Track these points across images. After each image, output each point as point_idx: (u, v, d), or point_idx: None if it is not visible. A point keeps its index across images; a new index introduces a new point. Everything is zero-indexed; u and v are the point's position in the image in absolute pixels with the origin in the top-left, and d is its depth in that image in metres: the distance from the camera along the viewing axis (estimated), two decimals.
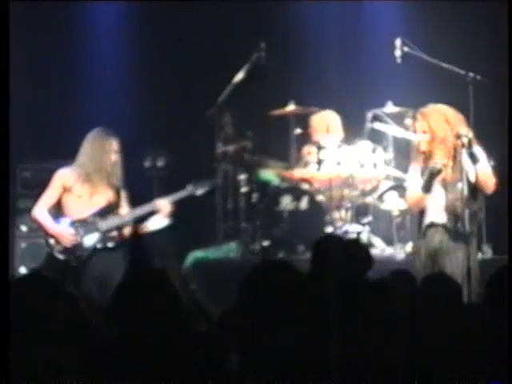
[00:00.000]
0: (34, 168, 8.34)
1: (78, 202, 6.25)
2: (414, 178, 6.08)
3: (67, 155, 6.69)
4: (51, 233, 6.23)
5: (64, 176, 6.28)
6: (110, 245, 6.28)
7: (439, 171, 5.88)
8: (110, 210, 6.32)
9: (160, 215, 6.41)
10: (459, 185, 5.83)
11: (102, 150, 6.29)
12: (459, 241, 5.83)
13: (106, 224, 6.26)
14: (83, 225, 6.23)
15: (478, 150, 5.96)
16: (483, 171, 5.91)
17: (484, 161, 5.96)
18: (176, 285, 3.04)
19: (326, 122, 8.13)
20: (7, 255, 3.63)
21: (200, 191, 6.44)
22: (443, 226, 5.92)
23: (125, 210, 6.38)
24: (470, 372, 3.13)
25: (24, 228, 8.15)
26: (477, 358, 3.18)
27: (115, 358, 2.90)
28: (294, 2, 8.95)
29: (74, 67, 9.05)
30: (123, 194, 6.40)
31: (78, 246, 6.20)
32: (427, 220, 5.98)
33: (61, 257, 6.21)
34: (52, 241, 6.23)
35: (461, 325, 3.43)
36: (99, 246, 6.25)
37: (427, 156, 6.00)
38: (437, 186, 5.95)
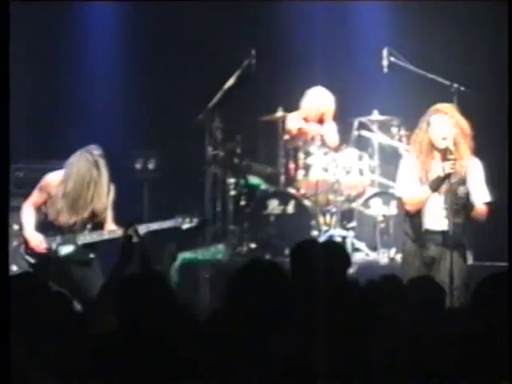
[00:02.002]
0: (27, 168, 8.37)
1: (61, 210, 6.18)
2: (412, 176, 5.93)
3: (60, 154, 6.74)
4: (24, 234, 6.22)
5: (50, 183, 6.23)
6: (85, 258, 6.20)
7: (452, 171, 5.75)
8: (93, 223, 6.22)
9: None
10: (460, 191, 5.79)
11: (85, 179, 6.14)
12: (455, 249, 5.78)
13: (84, 238, 6.18)
14: (61, 233, 6.19)
15: (473, 164, 5.92)
16: (472, 195, 5.85)
17: (474, 182, 5.90)
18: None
19: (321, 113, 8.28)
20: (7, 255, 3.69)
21: (187, 225, 6.27)
22: (443, 234, 5.84)
23: (109, 226, 6.27)
24: (456, 373, 3.19)
25: (16, 226, 8.25)
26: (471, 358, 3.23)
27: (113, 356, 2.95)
28: (283, 9, 9.08)
29: (67, 69, 9.09)
30: (109, 213, 6.28)
31: (49, 253, 6.15)
32: (425, 225, 5.90)
33: (30, 260, 6.20)
34: (24, 242, 6.23)
35: (448, 327, 3.50)
36: (75, 257, 6.19)
37: (444, 152, 5.83)
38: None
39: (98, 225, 6.26)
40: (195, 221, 6.34)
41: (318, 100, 8.36)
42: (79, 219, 6.19)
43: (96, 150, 6.22)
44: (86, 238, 6.19)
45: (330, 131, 8.34)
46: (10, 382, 2.86)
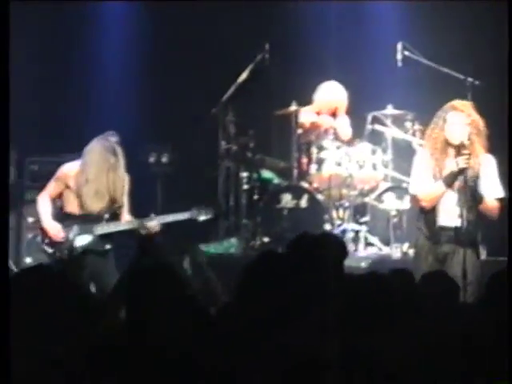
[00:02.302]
0: (42, 161, 8.42)
1: (79, 201, 6.18)
2: (426, 172, 5.91)
3: (74, 148, 6.76)
4: (42, 224, 6.21)
5: (67, 173, 6.22)
6: (101, 249, 6.20)
7: (465, 166, 5.74)
8: (110, 214, 6.24)
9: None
10: (472, 185, 5.78)
11: (105, 165, 6.15)
12: (469, 246, 5.78)
13: (101, 228, 6.18)
14: (79, 224, 6.18)
15: (487, 161, 5.89)
16: (485, 190, 5.85)
17: (487, 178, 5.88)
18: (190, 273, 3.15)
19: (334, 107, 8.30)
20: (6, 250, 3.70)
21: (203, 217, 6.33)
22: (456, 230, 5.82)
23: (125, 217, 6.29)
24: (468, 370, 3.19)
25: (30, 219, 8.30)
26: (475, 357, 3.23)
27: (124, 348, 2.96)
28: (296, 4, 9.07)
29: (80, 64, 9.12)
30: (125, 202, 6.29)
31: (65, 244, 6.15)
32: (439, 222, 5.88)
33: (48, 250, 6.20)
34: (41, 232, 6.23)
35: (461, 323, 3.50)
36: (91, 248, 6.19)
37: (459, 148, 5.81)
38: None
39: (115, 215, 6.27)
40: (211, 213, 6.38)
41: (331, 94, 8.36)
42: (104, 206, 6.20)
43: (113, 137, 6.23)
44: (103, 228, 6.19)
45: (343, 125, 8.34)
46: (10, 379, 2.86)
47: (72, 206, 6.22)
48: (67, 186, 6.21)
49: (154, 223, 6.22)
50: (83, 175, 6.19)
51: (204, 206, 6.39)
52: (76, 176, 6.21)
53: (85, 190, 6.17)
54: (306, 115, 8.33)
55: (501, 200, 5.96)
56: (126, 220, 6.28)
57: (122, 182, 6.25)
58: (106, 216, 6.24)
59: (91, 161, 6.17)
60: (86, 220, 6.20)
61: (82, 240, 6.20)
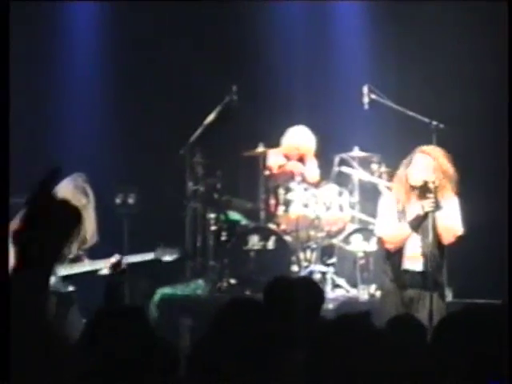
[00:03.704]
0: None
1: None
2: (391, 215, 5.93)
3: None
4: None
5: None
6: (64, 290, 6.11)
7: (436, 209, 5.76)
8: (75, 255, 6.17)
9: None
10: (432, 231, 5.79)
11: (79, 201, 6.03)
12: (434, 289, 5.79)
13: (64, 270, 6.09)
14: None
15: (448, 199, 5.91)
16: (442, 222, 5.85)
17: (447, 212, 5.88)
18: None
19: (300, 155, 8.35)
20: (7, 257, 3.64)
21: (168, 257, 6.27)
22: (421, 274, 5.84)
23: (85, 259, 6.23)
24: None
25: None
26: None
27: None
28: (264, 46, 9.14)
29: (45, 95, 9.05)
30: (87, 236, 6.20)
31: None
32: (404, 265, 5.89)
33: None
34: None
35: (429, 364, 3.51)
36: (54, 289, 6.03)
37: (424, 191, 5.83)
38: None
39: (78, 256, 6.19)
40: (176, 253, 6.33)
41: (299, 139, 8.41)
42: (74, 247, 6.13)
43: (82, 177, 6.19)
44: (66, 269, 6.11)
45: (311, 169, 8.38)
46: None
47: None
48: None
49: (116, 261, 6.16)
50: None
51: (169, 246, 6.35)
52: None
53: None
54: (274, 158, 8.36)
55: (459, 238, 5.97)
56: (91, 261, 6.22)
57: (93, 222, 6.21)
58: (70, 256, 6.17)
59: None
60: None
61: None
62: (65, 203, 2.36)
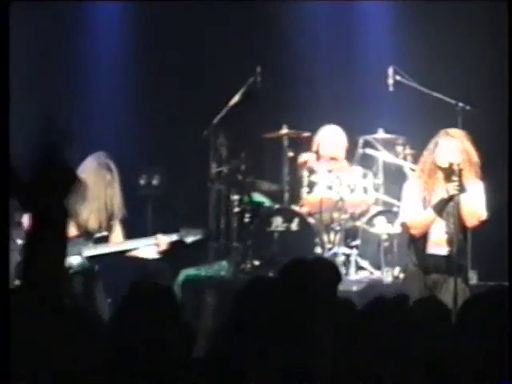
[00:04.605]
0: None
1: (75, 220, 6.09)
2: (416, 200, 5.91)
3: None
4: None
5: None
6: (90, 270, 6.15)
7: (461, 192, 5.74)
8: (101, 235, 6.22)
9: (153, 248, 6.29)
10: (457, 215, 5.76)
11: (99, 182, 6.17)
12: (458, 273, 5.77)
13: (90, 251, 6.14)
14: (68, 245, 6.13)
15: (473, 183, 5.89)
16: (467, 205, 5.84)
17: (471, 195, 5.86)
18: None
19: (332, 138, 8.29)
20: (7, 255, 3.66)
21: (191, 239, 6.31)
22: (445, 258, 5.84)
23: (117, 238, 6.28)
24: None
25: (19, 241, 8.24)
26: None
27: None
28: (288, 28, 9.11)
29: (70, 79, 9.08)
30: (117, 223, 6.29)
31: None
32: (428, 250, 5.90)
33: None
34: None
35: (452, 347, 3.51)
36: (80, 270, 6.11)
37: (449, 174, 5.82)
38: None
39: (104, 237, 6.24)
40: (199, 234, 6.35)
41: (332, 142, 8.25)
42: (103, 222, 6.18)
43: (104, 155, 6.25)
44: (91, 250, 6.16)
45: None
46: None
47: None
48: None
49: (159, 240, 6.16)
50: (79, 194, 6.17)
51: (192, 227, 6.37)
52: None
53: (83, 208, 6.13)
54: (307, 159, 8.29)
55: (483, 222, 5.94)
56: (117, 242, 6.25)
57: (119, 197, 6.26)
58: (98, 235, 6.19)
59: (88, 179, 6.10)
60: (75, 242, 6.10)
61: (71, 261, 6.11)
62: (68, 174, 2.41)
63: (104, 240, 6.25)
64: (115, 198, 6.23)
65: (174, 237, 6.33)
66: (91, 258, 6.19)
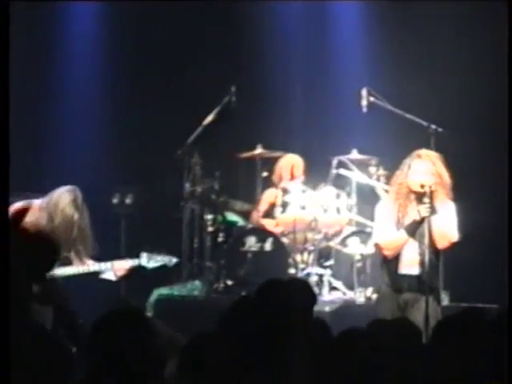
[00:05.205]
0: None
1: None
2: (388, 221, 5.94)
3: (24, 187, 6.55)
4: None
5: (20, 211, 6.10)
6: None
7: (431, 214, 5.77)
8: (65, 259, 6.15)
9: (115, 273, 6.24)
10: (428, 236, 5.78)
11: (71, 221, 6.09)
12: (430, 293, 5.78)
13: (54, 273, 5.96)
14: None
15: (444, 205, 5.90)
16: (437, 227, 5.85)
17: (442, 217, 5.88)
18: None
19: (291, 166, 8.36)
20: (7, 255, 3.63)
21: (152, 264, 6.23)
22: (417, 278, 5.85)
23: (83, 260, 6.23)
24: None
25: None
26: None
27: None
28: (262, 48, 9.14)
29: (42, 83, 8.97)
30: (82, 248, 6.22)
31: None
32: (401, 270, 5.91)
33: None
34: None
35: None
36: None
37: (421, 195, 5.84)
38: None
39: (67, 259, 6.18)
40: (161, 261, 6.27)
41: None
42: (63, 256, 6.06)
43: (77, 191, 6.17)
44: (55, 272, 6.03)
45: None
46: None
47: None
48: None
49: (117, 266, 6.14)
50: (46, 220, 6.10)
51: (158, 250, 6.29)
52: (35, 217, 6.10)
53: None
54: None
55: (454, 244, 5.96)
56: (83, 264, 6.20)
57: (88, 237, 6.19)
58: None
59: (56, 212, 6.08)
60: None
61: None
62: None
63: (68, 261, 6.18)
64: (81, 237, 6.15)
65: (131, 263, 6.26)
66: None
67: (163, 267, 6.36)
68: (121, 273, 6.23)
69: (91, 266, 6.20)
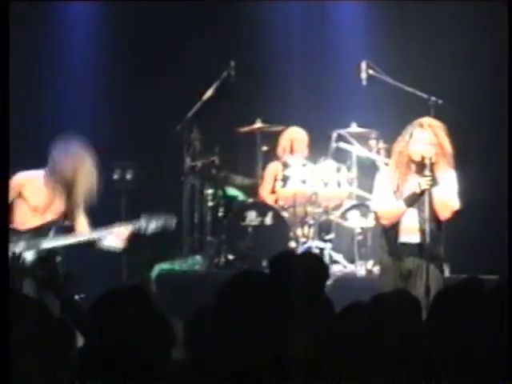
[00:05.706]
0: None
1: (29, 213, 5.98)
2: (387, 190, 5.92)
3: (33, 165, 6.62)
4: None
5: (22, 182, 6.00)
6: (52, 262, 5.86)
7: (432, 187, 5.76)
8: (63, 226, 6.07)
9: (116, 238, 6.09)
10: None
11: (67, 168, 6.05)
12: (431, 261, 5.76)
13: (49, 243, 5.95)
14: (25, 238, 5.91)
15: (445, 173, 5.88)
16: (439, 197, 5.83)
17: (444, 186, 5.85)
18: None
19: (292, 139, 8.35)
20: (7, 256, 3.65)
21: (152, 227, 6.09)
22: (418, 246, 5.83)
23: (81, 228, 6.12)
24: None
25: None
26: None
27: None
28: (261, 22, 9.10)
29: (43, 73, 9.01)
30: (81, 212, 6.12)
31: (14, 260, 5.76)
32: (401, 239, 5.89)
33: None
34: None
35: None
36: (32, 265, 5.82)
37: (422, 166, 5.81)
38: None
39: (65, 228, 6.11)
40: (161, 221, 6.17)
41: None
42: (69, 210, 6.05)
43: (77, 140, 6.15)
44: (51, 242, 5.98)
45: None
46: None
47: (22, 218, 5.98)
48: (20, 195, 5.98)
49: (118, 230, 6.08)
50: (50, 179, 6.03)
51: (153, 215, 6.22)
52: (36, 179, 6.03)
53: (45, 195, 6.02)
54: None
55: (456, 213, 5.96)
56: (78, 232, 6.09)
57: (86, 184, 6.11)
58: (54, 229, 6.03)
59: (55, 161, 6.04)
60: (33, 235, 5.96)
61: (30, 255, 5.90)
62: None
63: (67, 230, 6.10)
64: (81, 184, 6.07)
65: (130, 226, 6.15)
66: (52, 250, 5.98)
67: (164, 230, 6.26)
68: (122, 237, 6.10)
69: (91, 233, 6.15)
